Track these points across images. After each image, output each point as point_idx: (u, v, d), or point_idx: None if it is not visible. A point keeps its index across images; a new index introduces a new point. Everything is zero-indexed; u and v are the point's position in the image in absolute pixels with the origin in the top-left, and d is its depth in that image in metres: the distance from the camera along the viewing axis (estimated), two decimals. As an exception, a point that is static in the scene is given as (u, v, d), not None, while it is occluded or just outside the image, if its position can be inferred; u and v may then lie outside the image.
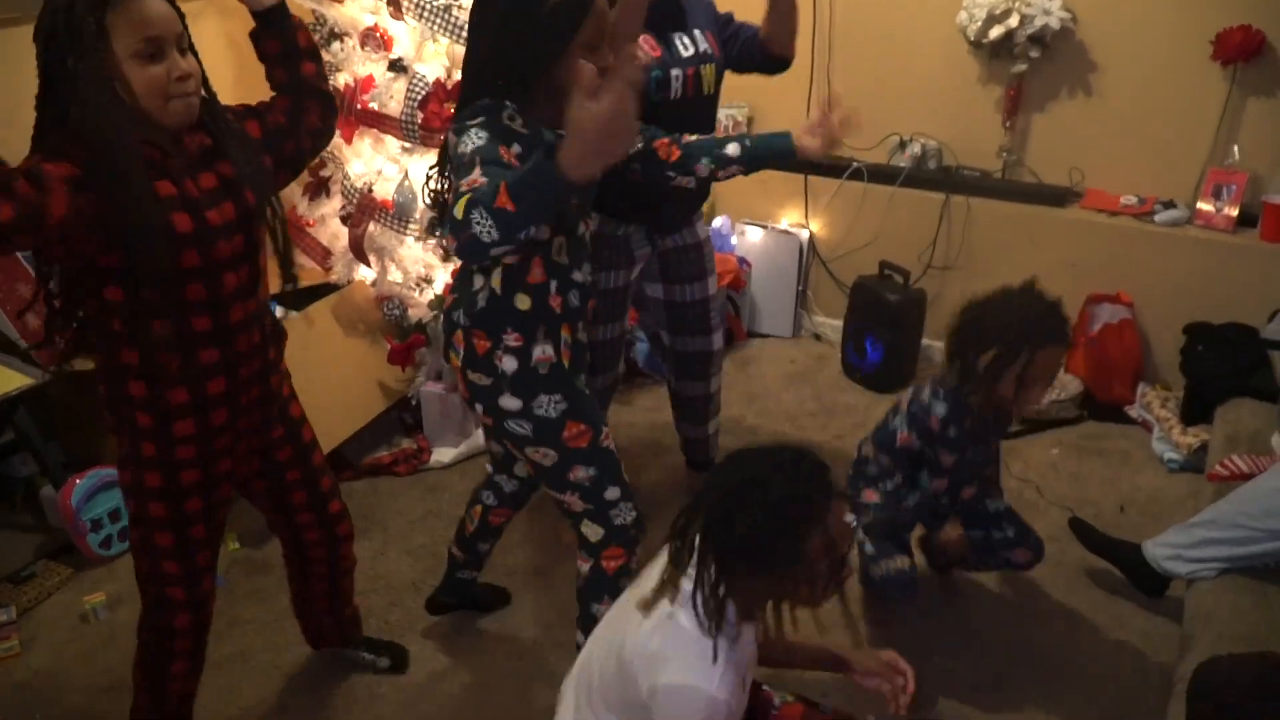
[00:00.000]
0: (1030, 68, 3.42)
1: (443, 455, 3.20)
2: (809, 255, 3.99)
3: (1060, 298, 2.18)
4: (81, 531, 2.70)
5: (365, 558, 2.74)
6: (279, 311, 3.01)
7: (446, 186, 1.90)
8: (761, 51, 2.46)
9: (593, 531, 1.99)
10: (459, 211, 1.50)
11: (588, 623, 2.00)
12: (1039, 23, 3.29)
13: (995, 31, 3.33)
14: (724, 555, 1.45)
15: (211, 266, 1.65)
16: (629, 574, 2.00)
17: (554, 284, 1.84)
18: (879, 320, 3.58)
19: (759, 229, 3.99)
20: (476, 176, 1.56)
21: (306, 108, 1.83)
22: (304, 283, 3.18)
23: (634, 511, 2.00)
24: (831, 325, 3.99)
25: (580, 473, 1.93)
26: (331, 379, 3.00)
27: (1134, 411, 3.40)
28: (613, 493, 1.96)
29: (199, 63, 1.62)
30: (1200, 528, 2.35)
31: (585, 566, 2.04)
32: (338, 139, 3.06)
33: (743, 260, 3.96)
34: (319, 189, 3.24)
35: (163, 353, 1.65)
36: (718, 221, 4.00)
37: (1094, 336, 3.43)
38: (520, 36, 1.69)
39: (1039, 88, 3.51)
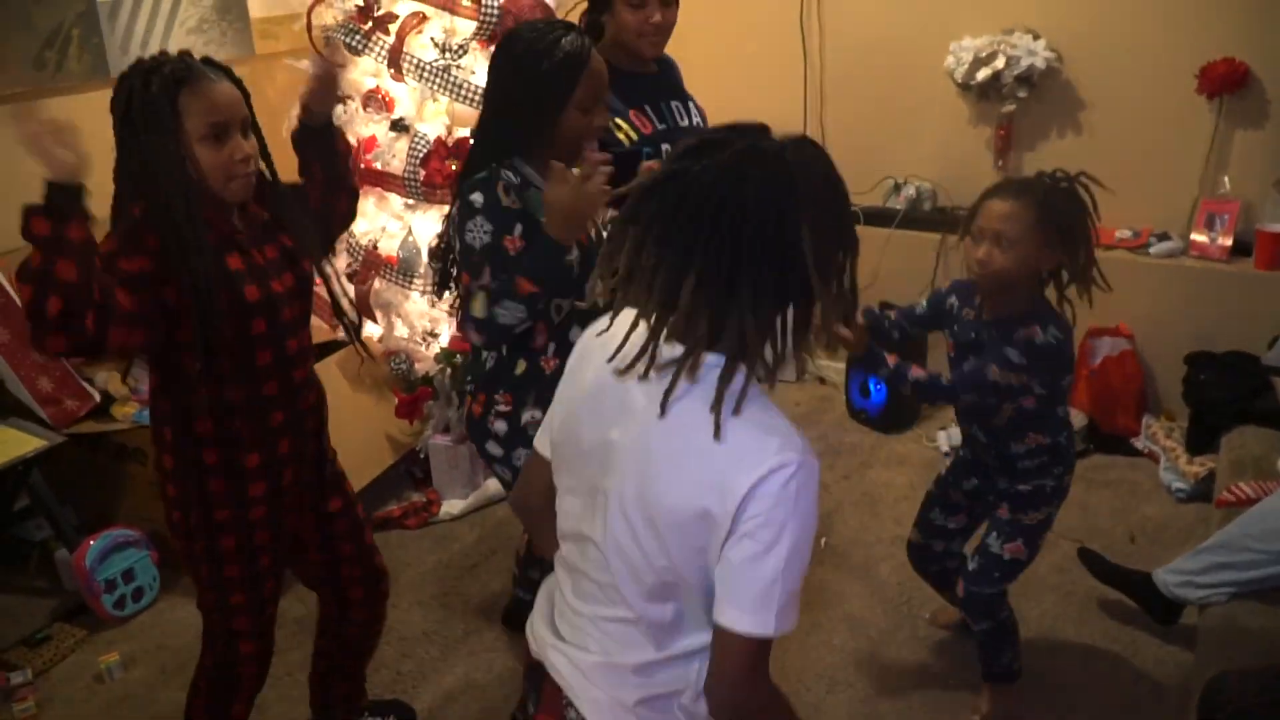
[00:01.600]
0: (1019, 107, 3.49)
1: (452, 507, 3.21)
2: (810, 299, 4.02)
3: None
4: (96, 593, 2.71)
5: (377, 610, 2.76)
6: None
7: (451, 259, 2.01)
8: None
9: None
10: (479, 309, 1.80)
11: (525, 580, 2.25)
12: (1025, 63, 3.36)
13: (982, 73, 3.40)
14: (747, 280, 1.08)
15: (277, 332, 1.74)
16: None
17: (551, 346, 1.94)
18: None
19: (760, 275, 4.04)
20: (488, 280, 1.82)
21: (338, 198, 1.95)
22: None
23: None
24: (835, 367, 4.01)
25: None
26: (340, 433, 2.99)
27: (1140, 442, 3.41)
28: None
29: (260, 139, 1.73)
30: (1209, 553, 2.35)
31: None
32: (342, 198, 3.13)
33: (745, 306, 4.00)
34: (325, 248, 3.30)
35: (239, 418, 1.73)
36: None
37: (1095, 369, 3.45)
38: (524, 95, 1.85)
39: (1029, 126, 3.58)
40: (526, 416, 1.96)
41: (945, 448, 3.48)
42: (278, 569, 1.90)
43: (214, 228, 1.66)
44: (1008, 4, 3.46)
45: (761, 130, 1.13)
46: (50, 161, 1.44)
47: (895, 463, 3.45)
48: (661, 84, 2.40)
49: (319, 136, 1.89)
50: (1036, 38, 3.39)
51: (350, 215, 2.03)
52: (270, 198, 1.80)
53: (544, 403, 1.89)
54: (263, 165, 1.76)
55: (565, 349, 1.90)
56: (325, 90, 1.87)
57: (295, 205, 1.84)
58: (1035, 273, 2.01)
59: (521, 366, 1.95)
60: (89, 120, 1.61)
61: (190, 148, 1.60)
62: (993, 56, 3.38)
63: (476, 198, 1.83)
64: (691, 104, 2.45)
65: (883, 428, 3.66)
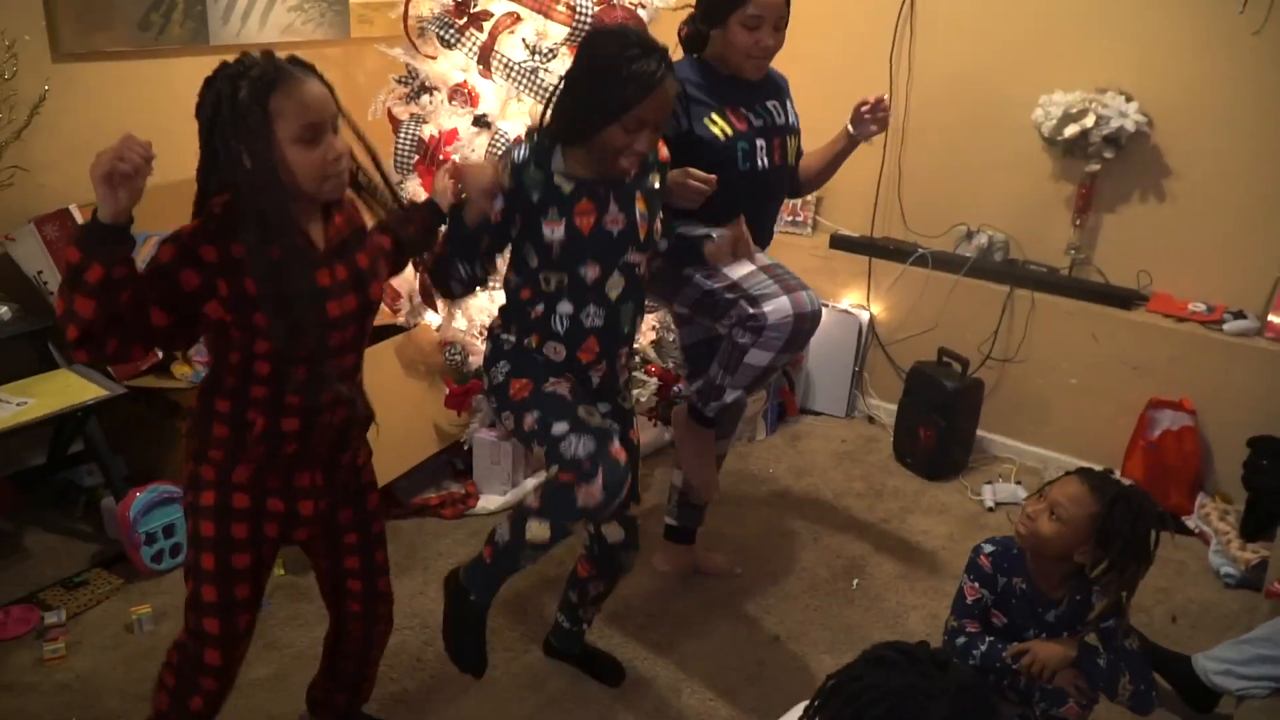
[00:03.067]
0: (1103, 168, 3.44)
1: (489, 502, 3.23)
2: (868, 337, 4.00)
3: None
4: (136, 544, 2.77)
5: (404, 595, 2.78)
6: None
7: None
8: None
9: (550, 469, 1.97)
10: None
11: (517, 508, 2.04)
12: (1114, 124, 3.31)
13: (1070, 130, 3.36)
14: None
15: (319, 354, 1.71)
16: (570, 497, 1.91)
17: (540, 305, 2.03)
18: (934, 407, 3.56)
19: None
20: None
21: (401, 264, 2.03)
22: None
23: (592, 442, 1.93)
24: (885, 409, 3.98)
25: (529, 419, 2.00)
26: (389, 417, 3.03)
27: (1192, 522, 3.33)
28: (558, 428, 1.96)
29: (363, 137, 1.74)
30: (1254, 644, 2.29)
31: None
32: (417, 186, 3.17)
33: (802, 336, 3.98)
34: (395, 233, 3.35)
35: (252, 411, 1.71)
36: (780, 296, 4.04)
37: (1153, 441, 3.38)
38: (582, 93, 1.91)
39: (1111, 188, 3.52)
40: (505, 335, 2.10)
41: (990, 502, 3.43)
42: (254, 547, 1.80)
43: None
44: (1103, 63, 3.42)
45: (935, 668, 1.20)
46: None
47: (936, 511, 3.41)
48: (758, 88, 2.42)
49: (438, 219, 1.98)
50: (1129, 99, 3.33)
51: (397, 272, 2.10)
52: (360, 201, 1.82)
53: (522, 330, 2.06)
54: (361, 157, 1.76)
55: (551, 313, 2.03)
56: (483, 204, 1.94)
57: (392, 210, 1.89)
58: (1068, 558, 2.09)
59: (510, 303, 2.10)
60: (185, 84, 1.64)
61: (283, 151, 1.57)
62: (1083, 114, 3.33)
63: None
64: (789, 104, 2.49)
65: (927, 474, 3.61)
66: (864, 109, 2.48)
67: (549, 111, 1.98)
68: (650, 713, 2.43)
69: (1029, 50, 3.55)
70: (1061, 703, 2.11)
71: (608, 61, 1.87)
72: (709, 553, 3.00)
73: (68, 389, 2.75)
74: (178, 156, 1.70)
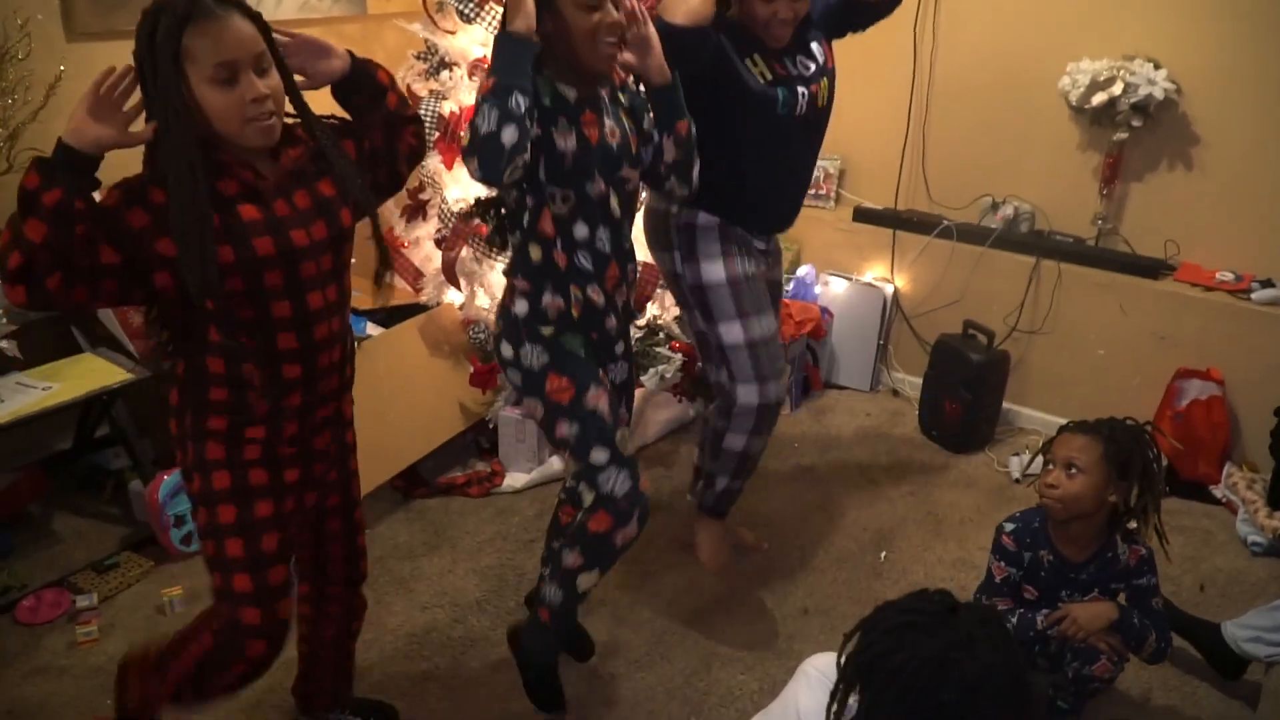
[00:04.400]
0: (1131, 137, 3.39)
1: (515, 480, 3.24)
2: (892, 310, 3.98)
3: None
4: (165, 526, 2.79)
5: (433, 574, 2.80)
6: (369, 328, 3.09)
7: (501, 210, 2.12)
8: (866, 6, 2.49)
9: (586, 495, 2.02)
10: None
11: (549, 556, 2.13)
12: (1143, 92, 3.26)
13: (1098, 98, 3.31)
14: None
15: (296, 286, 1.65)
16: (610, 543, 2.00)
17: (559, 240, 1.98)
18: (960, 380, 3.54)
19: (844, 280, 4.00)
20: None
21: (401, 134, 1.86)
22: (393, 302, 3.26)
23: (629, 481, 1.98)
24: (910, 382, 3.96)
25: (564, 429, 2.00)
26: (413, 397, 3.07)
27: (1219, 491, 3.31)
28: (599, 455, 1.98)
29: (290, 79, 1.62)
30: (1284, 611, 2.28)
31: (575, 516, 2.08)
32: (438, 164, 3.15)
33: (825, 310, 3.96)
34: (416, 211, 3.33)
35: (248, 365, 1.66)
36: (802, 270, 4.02)
37: (1181, 411, 3.36)
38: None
39: (1139, 157, 3.47)
40: (546, 300, 2.01)
41: (1016, 474, 3.42)
42: (281, 526, 1.74)
43: (231, 175, 1.58)
44: (1132, 29, 3.36)
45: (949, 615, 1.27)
46: None
47: (963, 484, 3.40)
48: (789, 44, 2.37)
49: (351, 81, 1.77)
50: (1158, 67, 3.28)
51: (420, 147, 1.90)
52: (316, 137, 1.69)
53: (561, 291, 2.00)
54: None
55: (571, 244, 1.99)
56: (305, 56, 1.73)
57: (335, 148, 1.72)
58: (1103, 503, 2.12)
59: (536, 253, 2.00)
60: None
61: (199, 92, 1.51)
62: (1111, 81, 3.28)
63: None
64: (815, 46, 2.41)
65: (953, 447, 3.60)
66: None
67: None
68: (679, 685, 2.44)
69: (1056, 17, 3.49)
70: (1093, 661, 2.14)
71: None
72: (736, 527, 3.00)
73: (93, 373, 2.75)
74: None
